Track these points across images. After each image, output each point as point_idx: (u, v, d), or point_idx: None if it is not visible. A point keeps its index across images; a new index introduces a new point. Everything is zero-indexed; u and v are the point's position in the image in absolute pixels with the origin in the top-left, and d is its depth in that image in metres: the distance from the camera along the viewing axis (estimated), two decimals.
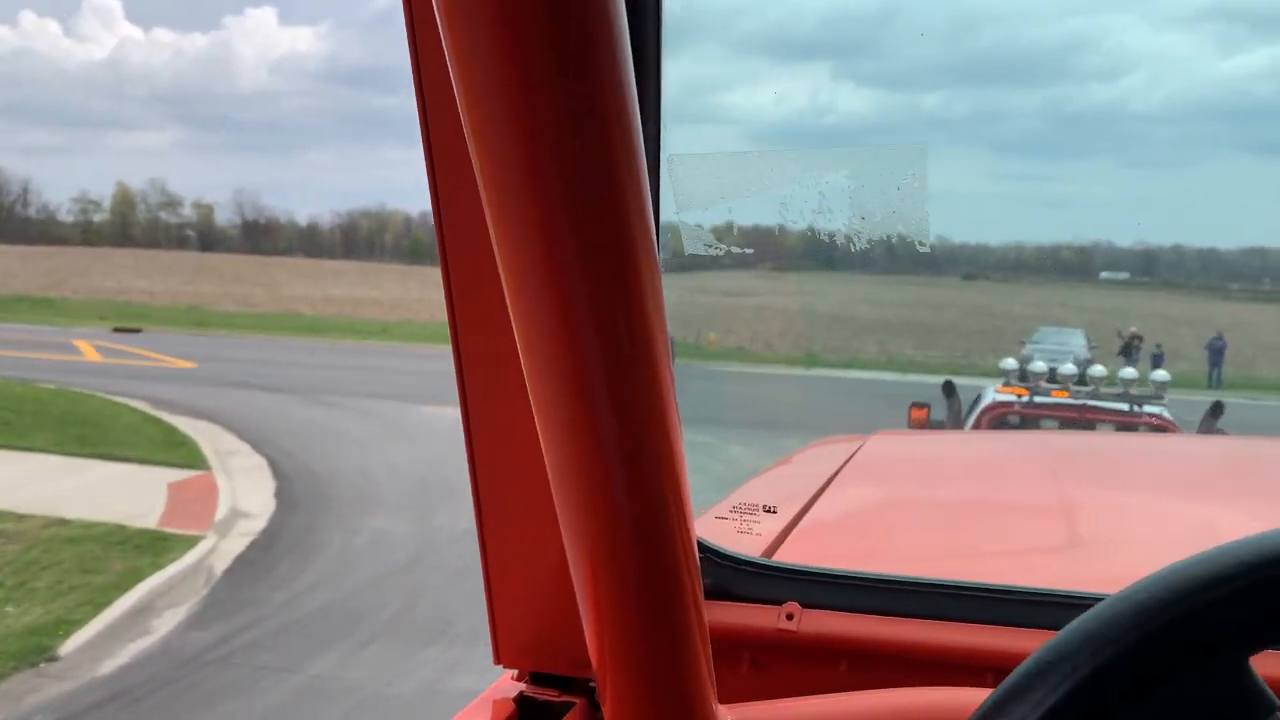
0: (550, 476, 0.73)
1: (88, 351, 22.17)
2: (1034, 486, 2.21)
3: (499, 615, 1.03)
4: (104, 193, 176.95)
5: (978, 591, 1.17)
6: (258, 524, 9.20)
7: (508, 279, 0.62)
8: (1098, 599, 0.60)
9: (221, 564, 8.14)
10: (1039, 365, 6.88)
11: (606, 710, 0.86)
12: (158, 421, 13.28)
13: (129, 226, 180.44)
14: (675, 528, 0.74)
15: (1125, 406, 6.63)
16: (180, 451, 11.71)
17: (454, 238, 0.86)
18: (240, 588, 7.63)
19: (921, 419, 7.96)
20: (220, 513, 9.48)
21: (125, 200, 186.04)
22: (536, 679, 1.07)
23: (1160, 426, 6.45)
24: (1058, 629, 0.60)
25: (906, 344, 40.20)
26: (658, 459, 0.69)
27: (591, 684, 1.03)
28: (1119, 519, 1.88)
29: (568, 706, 1.04)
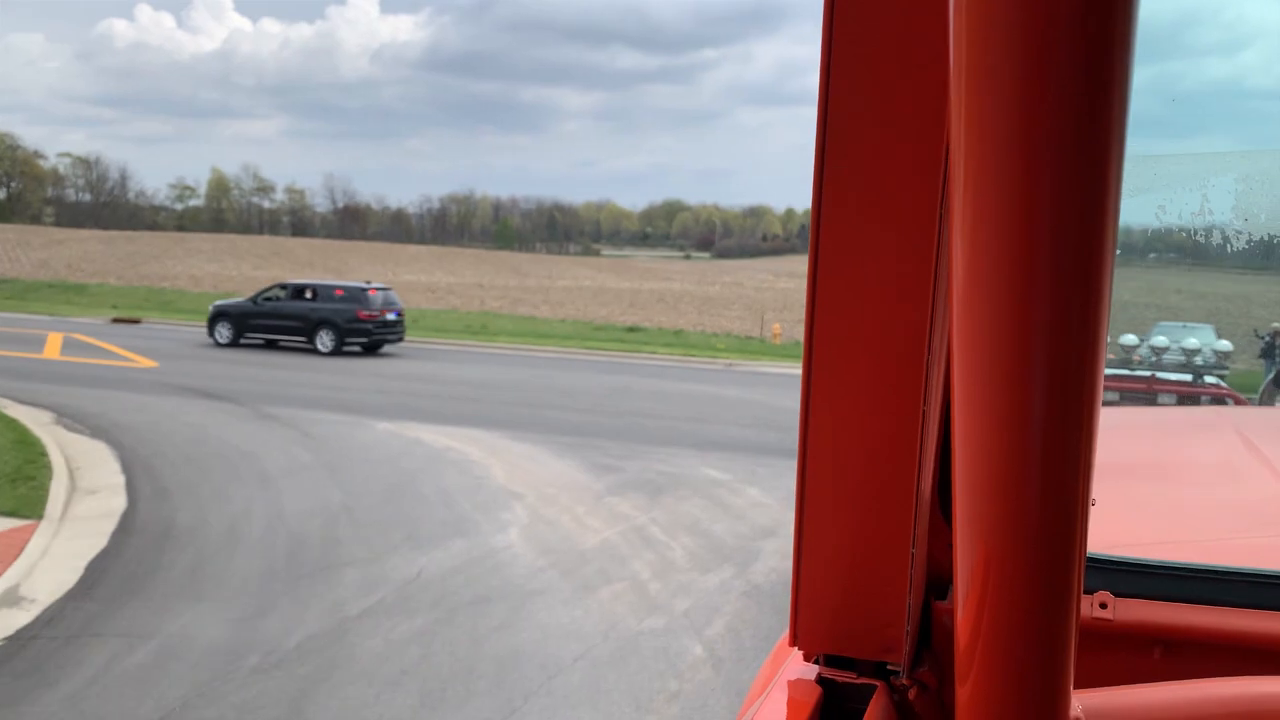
0: (959, 468, 0.73)
1: (51, 346, 20.15)
2: (1260, 462, 2.16)
3: (803, 599, 1.04)
4: (204, 178, 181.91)
5: None
6: (15, 621, 6.44)
7: (966, 268, 0.63)
8: None
9: None
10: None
11: (963, 693, 0.86)
12: (30, 444, 10.73)
13: (223, 211, 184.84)
14: (1078, 526, 0.74)
15: (1189, 377, 6.52)
16: (21, 490, 9.09)
17: (830, 232, 0.87)
18: None
19: None
20: None
21: (220, 186, 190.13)
22: (830, 661, 1.08)
23: (1222, 397, 6.43)
24: None
25: None
26: (1077, 454, 0.69)
27: (890, 667, 1.05)
28: None
29: (869, 689, 1.05)
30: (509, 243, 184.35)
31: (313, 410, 13.79)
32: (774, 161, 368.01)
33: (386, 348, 22.34)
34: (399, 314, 22.35)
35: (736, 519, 9.09)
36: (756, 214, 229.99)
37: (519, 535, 8.42)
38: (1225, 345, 6.78)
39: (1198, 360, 6.70)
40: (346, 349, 21.43)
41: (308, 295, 21.95)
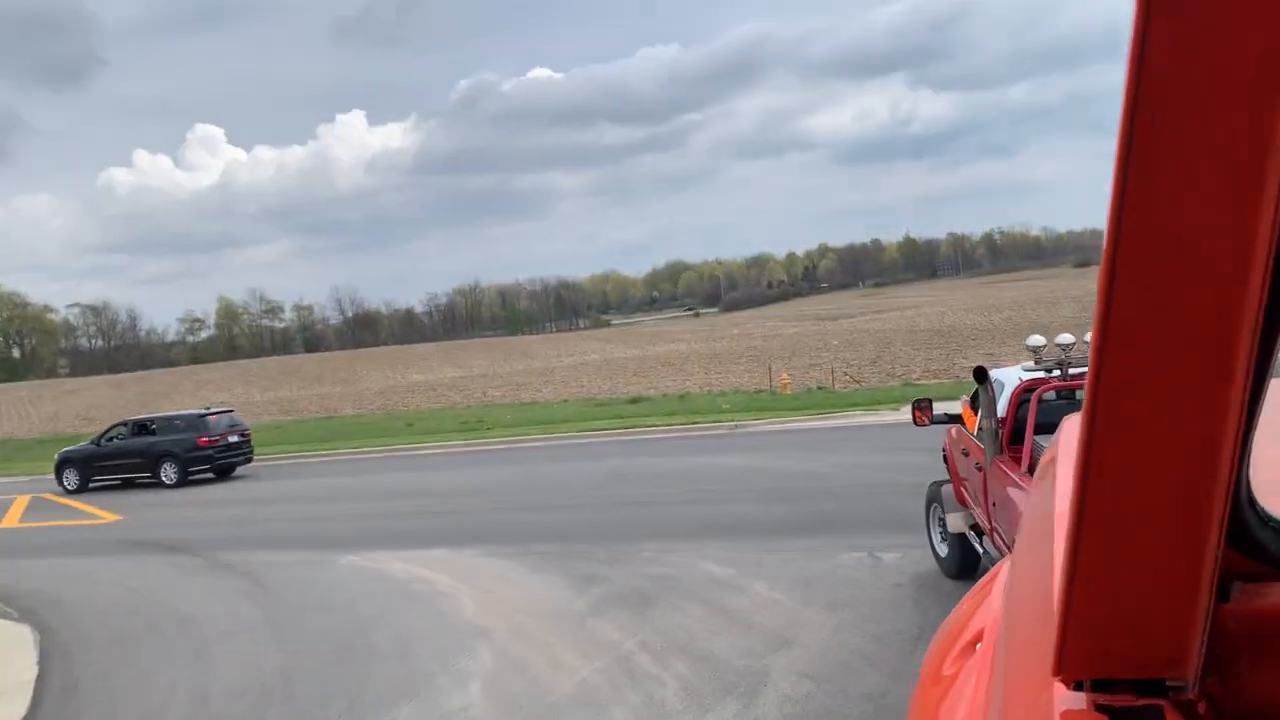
0: None
1: (14, 511, 19.01)
2: None
3: (1075, 622, 0.97)
4: (211, 309, 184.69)
5: None
6: None
7: None
8: None
9: None
10: (1065, 338, 6.63)
11: None
12: None
13: (235, 338, 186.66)
14: None
15: None
16: None
17: (1137, 208, 0.80)
18: None
19: (924, 419, 8.14)
20: None
21: (229, 313, 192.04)
22: (1098, 686, 1.01)
23: None
24: None
25: (1022, 351, 34.19)
26: None
27: (1169, 683, 0.99)
28: None
29: (1154, 710, 0.98)
30: (518, 327, 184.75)
31: (273, 550, 12.47)
32: (770, 209, 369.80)
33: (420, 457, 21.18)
34: (244, 435, 22.63)
35: (742, 628, 7.63)
36: (759, 263, 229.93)
37: (480, 690, 7.00)
38: None
39: None
40: (194, 478, 21.40)
41: (151, 429, 22.00)
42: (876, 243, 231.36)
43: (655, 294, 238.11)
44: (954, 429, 8.41)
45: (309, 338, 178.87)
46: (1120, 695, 0.99)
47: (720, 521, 11.32)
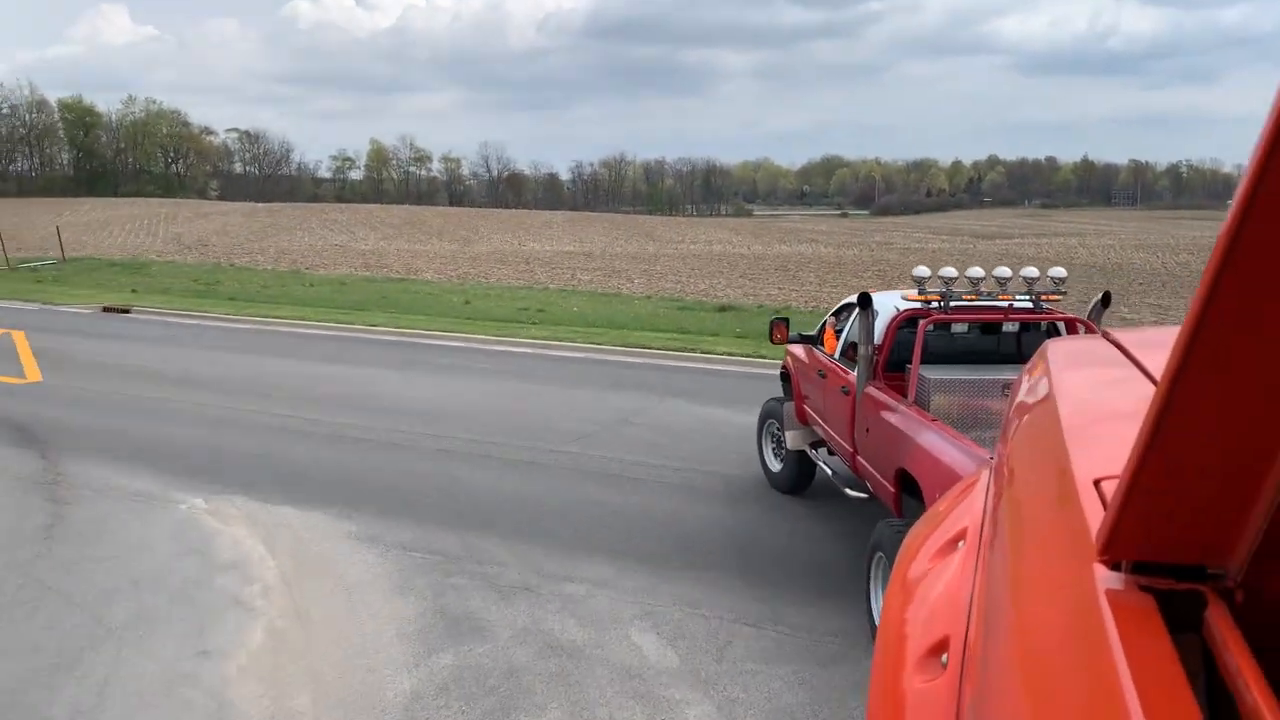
0: None
1: None
2: None
3: (1131, 507, 0.97)
4: (364, 150, 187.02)
5: None
6: None
7: None
8: None
9: None
10: (949, 271, 6.65)
11: None
12: None
13: (382, 182, 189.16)
14: None
15: (1031, 304, 6.66)
16: None
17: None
18: None
19: (780, 336, 8.20)
20: None
21: (379, 157, 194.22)
22: (1138, 568, 1.01)
23: (1059, 322, 6.62)
24: None
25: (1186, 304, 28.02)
26: None
27: (1210, 571, 1.00)
28: None
29: (1194, 595, 0.98)
30: (659, 206, 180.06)
31: (131, 469, 9.43)
32: (942, 114, 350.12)
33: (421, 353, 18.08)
34: None
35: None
36: (921, 168, 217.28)
37: None
38: (1060, 272, 6.67)
39: (1038, 287, 6.62)
40: None
41: None
42: (1051, 160, 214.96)
43: (806, 188, 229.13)
44: (801, 349, 8.43)
45: (454, 191, 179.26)
46: (1159, 579, 0.98)
47: (703, 542, 7.59)
